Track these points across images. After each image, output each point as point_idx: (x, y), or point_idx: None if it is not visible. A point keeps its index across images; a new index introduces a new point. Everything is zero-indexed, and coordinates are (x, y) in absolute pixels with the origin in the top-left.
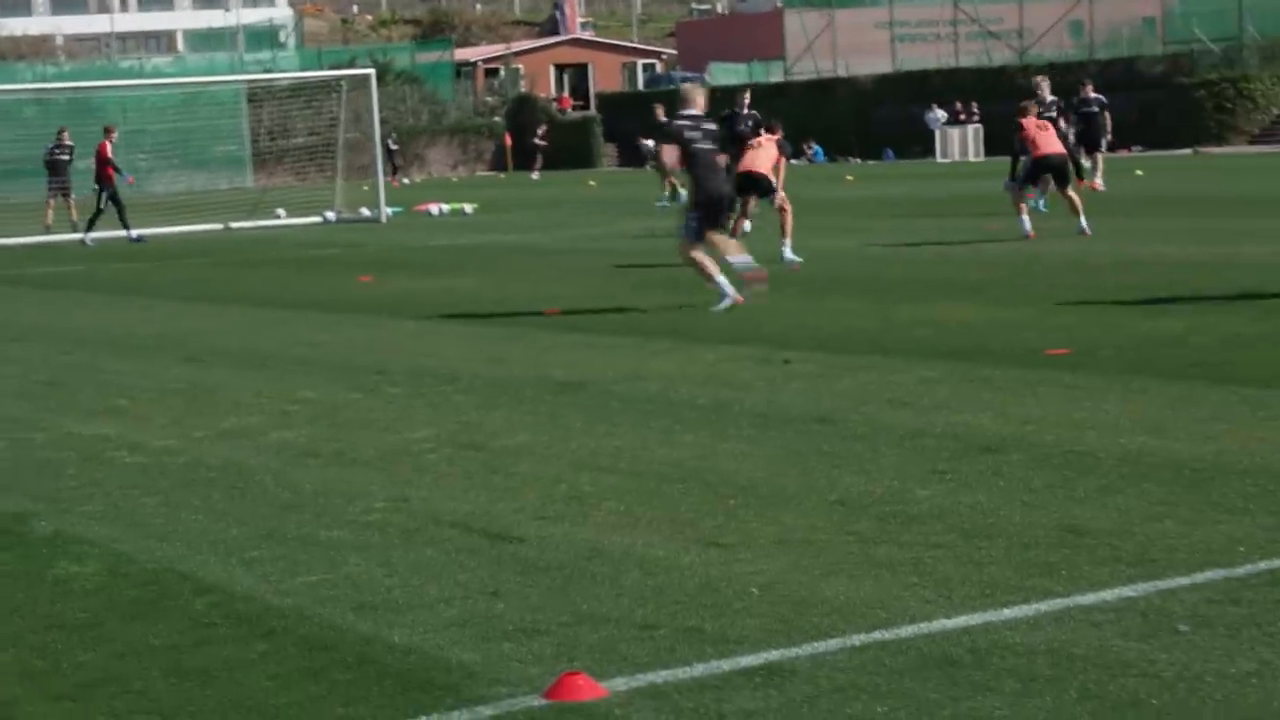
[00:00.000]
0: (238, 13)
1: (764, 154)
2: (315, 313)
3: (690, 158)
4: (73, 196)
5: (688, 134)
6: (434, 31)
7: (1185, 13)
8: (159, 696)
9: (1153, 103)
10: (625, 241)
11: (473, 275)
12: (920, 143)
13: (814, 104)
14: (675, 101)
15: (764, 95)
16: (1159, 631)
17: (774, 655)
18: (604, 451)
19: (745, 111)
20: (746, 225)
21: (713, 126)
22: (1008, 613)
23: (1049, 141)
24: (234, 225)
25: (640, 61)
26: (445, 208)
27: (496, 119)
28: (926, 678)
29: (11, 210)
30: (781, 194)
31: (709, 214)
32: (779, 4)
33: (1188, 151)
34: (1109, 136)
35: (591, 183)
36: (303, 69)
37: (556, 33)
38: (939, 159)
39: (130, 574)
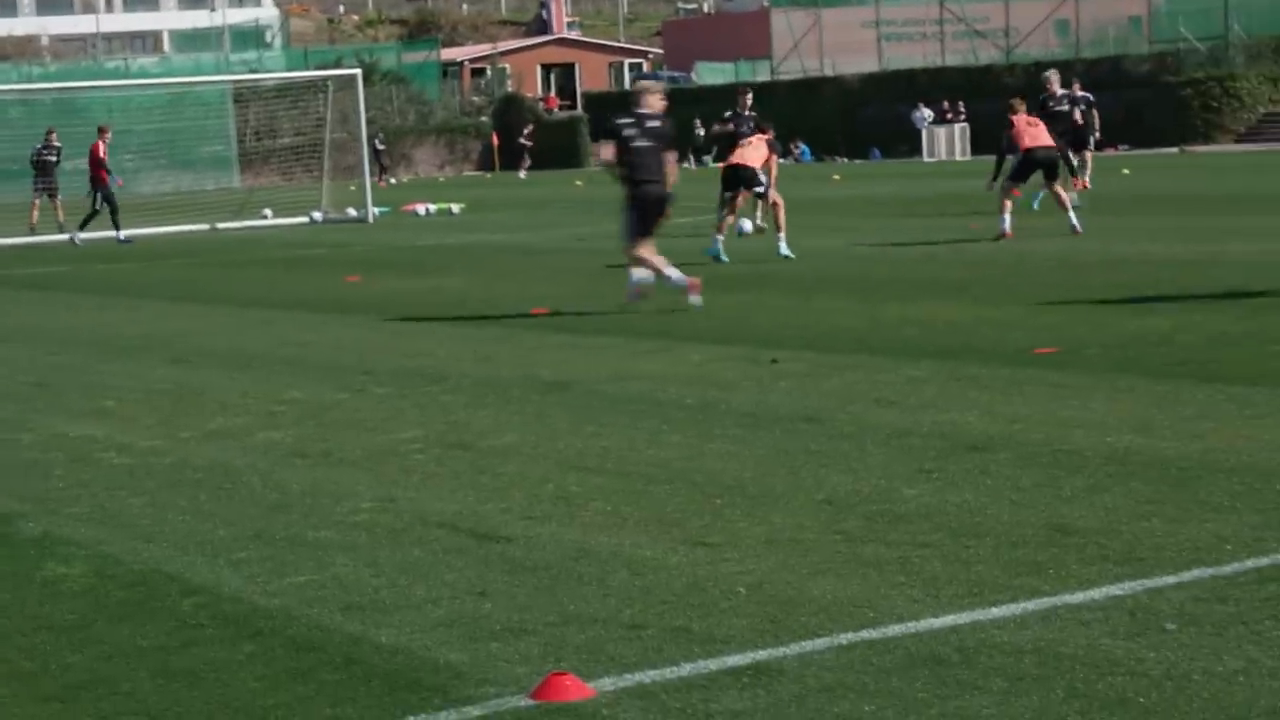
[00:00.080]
0: (223, 13)
1: (754, 151)
2: (302, 313)
3: (627, 156)
4: (59, 197)
5: (626, 131)
6: (420, 31)
7: (1171, 11)
8: (146, 698)
9: (1139, 101)
10: (612, 241)
11: (460, 275)
12: (907, 142)
13: (800, 103)
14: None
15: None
16: (1146, 630)
17: (761, 655)
18: (591, 451)
19: (747, 113)
20: (747, 225)
21: (658, 125)
22: (995, 611)
23: (1038, 137)
24: (220, 226)
25: (627, 61)
26: (432, 208)
27: (483, 119)
28: (914, 677)
29: None
30: (774, 191)
31: (644, 214)
32: (765, 3)
33: (1174, 150)
34: (1096, 135)
35: (578, 182)
36: (289, 69)
37: (543, 32)
38: (925, 158)
39: (118, 575)
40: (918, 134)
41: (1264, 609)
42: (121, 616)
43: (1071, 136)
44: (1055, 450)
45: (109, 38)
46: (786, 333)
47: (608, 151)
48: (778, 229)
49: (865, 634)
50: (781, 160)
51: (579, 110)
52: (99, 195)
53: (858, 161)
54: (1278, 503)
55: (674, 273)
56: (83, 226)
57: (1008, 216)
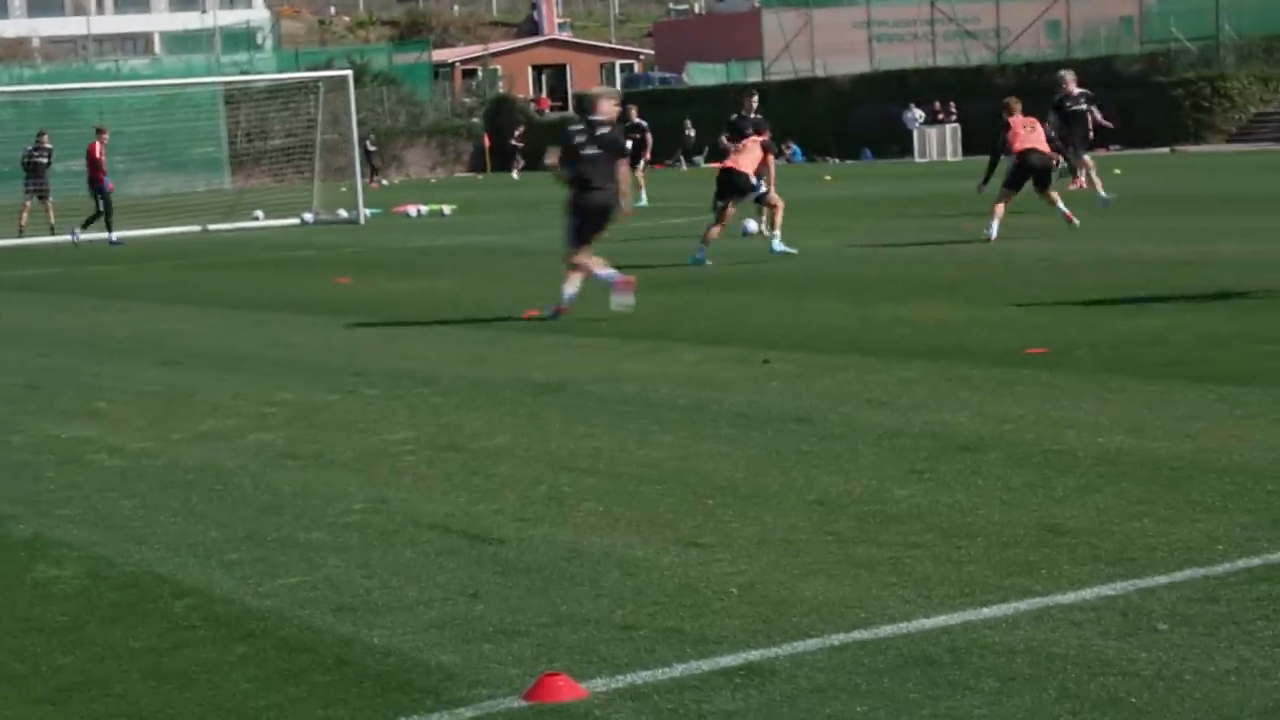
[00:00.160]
0: (214, 14)
1: (748, 155)
2: (293, 314)
3: (576, 163)
4: (50, 199)
5: (577, 139)
6: (411, 32)
7: (1162, 12)
8: (138, 699)
9: (1130, 102)
10: (602, 242)
11: (451, 276)
12: (898, 142)
13: (792, 104)
14: (658, 100)
15: (742, 95)
16: (1138, 630)
17: (753, 655)
18: (583, 452)
19: (753, 115)
20: (751, 225)
21: (609, 133)
22: (987, 612)
23: (1034, 140)
24: (211, 227)
25: (618, 62)
26: (423, 209)
27: (474, 120)
28: (906, 677)
29: None
30: (773, 193)
31: (587, 221)
32: (756, 4)
33: (1165, 150)
34: (1091, 134)
35: None
36: (280, 71)
37: (534, 33)
38: (917, 159)
39: (109, 577)
40: (909, 134)
41: (1255, 609)
42: (113, 618)
43: (1084, 135)
44: (1047, 450)
45: (100, 39)
46: (778, 333)
47: (551, 157)
48: (772, 226)
49: (857, 634)
50: (775, 160)
51: (570, 111)
52: (100, 196)
53: (849, 162)
54: (1269, 503)
55: (606, 271)
56: (86, 226)
57: (995, 222)
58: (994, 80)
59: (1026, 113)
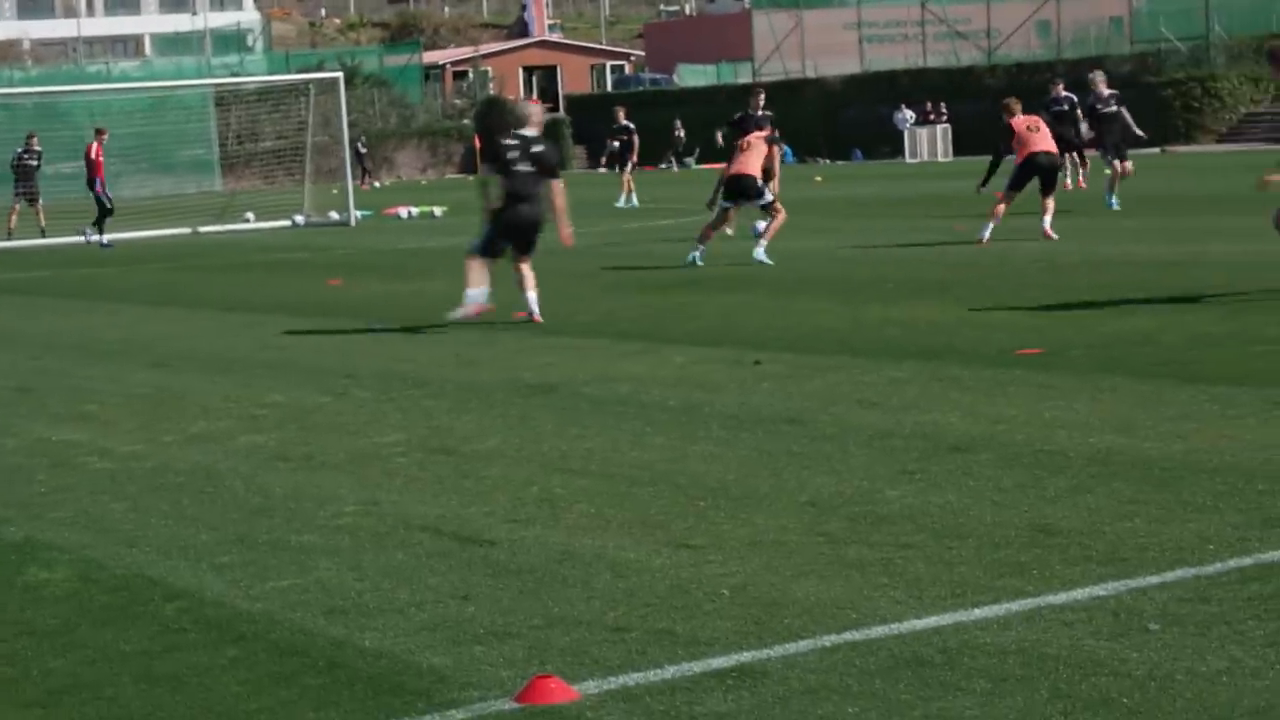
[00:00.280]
0: (205, 16)
1: (753, 155)
2: (284, 316)
3: (506, 178)
4: (40, 202)
5: (508, 154)
6: (402, 34)
7: (1152, 12)
8: (129, 703)
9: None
10: (595, 243)
11: (442, 278)
12: (889, 143)
13: (782, 105)
14: (641, 104)
15: (733, 96)
16: (1130, 630)
17: (745, 657)
18: (575, 454)
19: (760, 114)
20: (761, 225)
21: (542, 150)
22: (978, 613)
23: (1041, 141)
24: (202, 229)
25: (609, 63)
26: (414, 211)
27: (465, 122)
28: (897, 678)
29: None
30: (775, 191)
31: (505, 235)
32: (747, 5)
33: (1156, 150)
34: (1084, 133)
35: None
36: (270, 73)
37: (524, 35)
38: (907, 159)
39: (100, 580)
40: (900, 135)
41: (1247, 609)
42: (104, 621)
43: (1119, 138)
44: (1038, 451)
45: (90, 41)
46: (769, 334)
47: (484, 171)
48: (764, 233)
49: (849, 635)
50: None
51: (561, 113)
52: (104, 192)
53: (840, 163)
54: (1260, 503)
55: (475, 293)
56: (96, 225)
57: (991, 225)
58: (984, 81)
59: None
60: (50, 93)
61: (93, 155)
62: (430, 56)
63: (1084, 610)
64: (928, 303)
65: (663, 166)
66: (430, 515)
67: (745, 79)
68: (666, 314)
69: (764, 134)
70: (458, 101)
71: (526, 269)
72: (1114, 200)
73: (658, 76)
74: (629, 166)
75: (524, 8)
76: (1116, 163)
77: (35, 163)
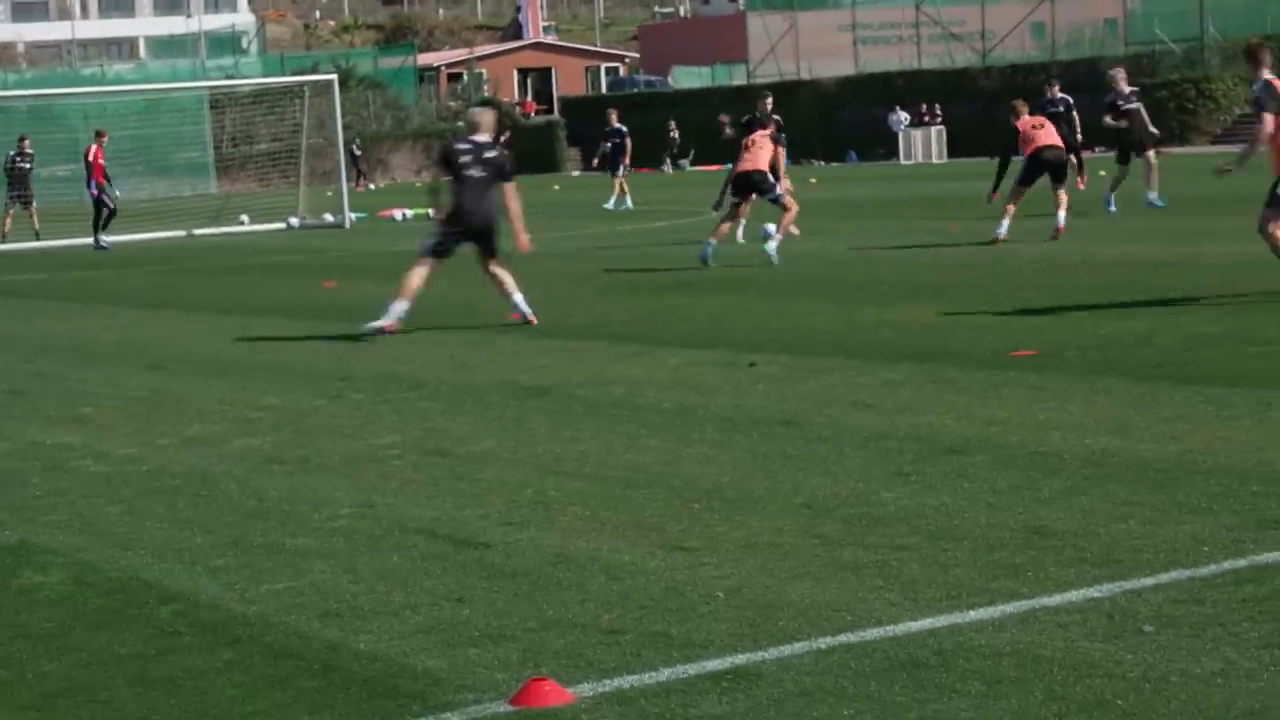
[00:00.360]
0: (199, 19)
1: (760, 152)
2: (279, 319)
3: (458, 183)
4: (34, 205)
5: (461, 159)
6: (397, 36)
7: (1147, 14)
8: (124, 706)
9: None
10: (589, 245)
11: (436, 280)
12: (883, 145)
13: (777, 106)
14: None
15: (727, 98)
16: (1124, 632)
17: (740, 659)
18: (569, 456)
19: (767, 117)
20: (772, 228)
21: (495, 156)
22: (973, 615)
23: (1045, 137)
24: (197, 232)
25: (603, 65)
26: (409, 213)
27: (460, 124)
28: (892, 680)
29: None
30: (785, 187)
31: (460, 237)
32: (741, 7)
33: (1150, 151)
34: (1079, 136)
35: (555, 186)
36: (265, 75)
37: (519, 37)
38: (902, 161)
39: (95, 583)
40: (894, 137)
41: (1241, 610)
42: (99, 624)
43: (1137, 135)
44: (1033, 453)
45: (85, 44)
46: (764, 336)
47: (435, 173)
48: (778, 229)
49: (844, 638)
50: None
51: (556, 115)
52: (104, 196)
53: (834, 164)
54: (1254, 504)
55: (399, 307)
56: (104, 229)
57: (1006, 222)
58: (979, 82)
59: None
60: (45, 95)
61: (91, 157)
62: (425, 59)
63: (1079, 612)
64: (922, 304)
65: (663, 170)
66: (425, 518)
67: (740, 81)
68: (661, 316)
69: (768, 132)
70: (452, 104)
71: (501, 272)
72: (1154, 199)
73: (652, 78)
74: (621, 169)
75: (518, 10)
76: (1149, 155)
77: (28, 165)
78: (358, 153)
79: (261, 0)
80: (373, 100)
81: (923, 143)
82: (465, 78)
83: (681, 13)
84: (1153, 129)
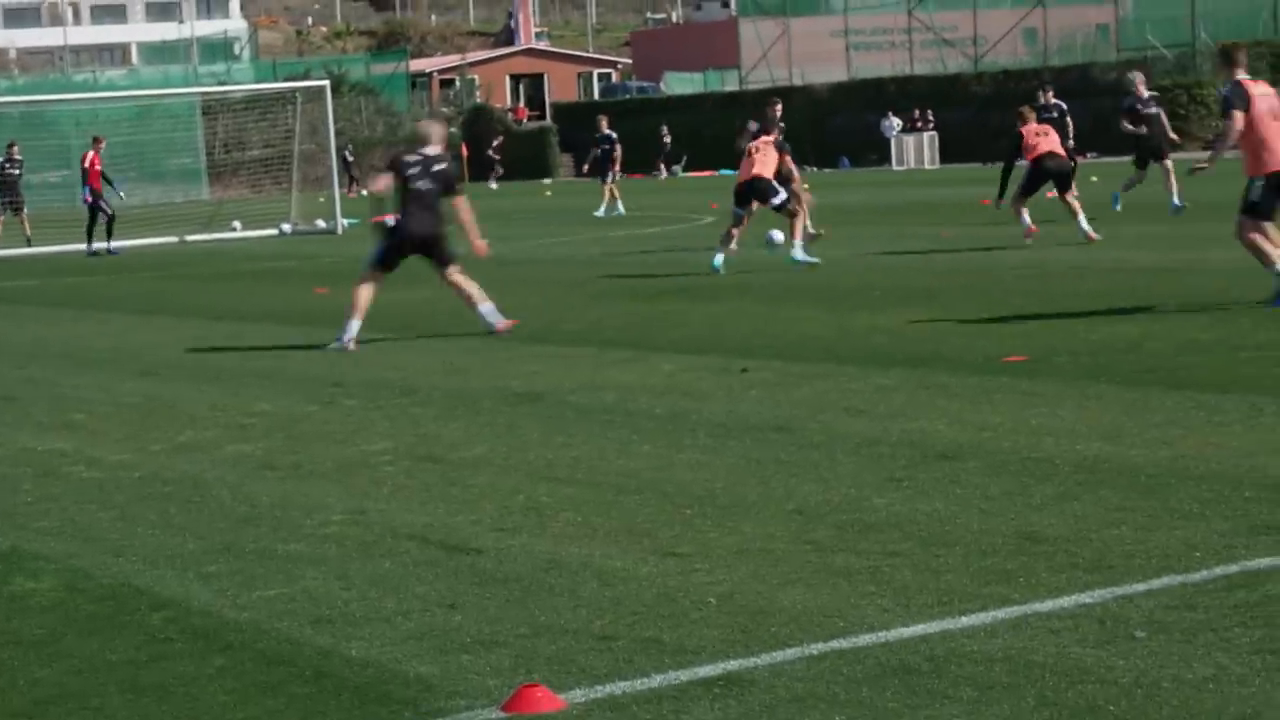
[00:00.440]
0: (191, 25)
1: (764, 159)
2: (271, 325)
3: (404, 194)
4: (25, 211)
5: (409, 171)
6: (389, 43)
7: (1139, 19)
8: (116, 712)
9: (1107, 109)
10: (582, 251)
11: (428, 286)
12: (876, 150)
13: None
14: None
15: (720, 104)
16: (1116, 638)
17: (732, 665)
18: (562, 462)
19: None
20: (778, 235)
21: (443, 169)
22: (965, 621)
23: (1047, 144)
24: (189, 238)
25: (596, 71)
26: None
27: (452, 130)
28: (884, 686)
29: None
30: (791, 192)
31: (399, 251)
32: (734, 13)
33: (1168, 159)
34: (1070, 141)
35: (548, 193)
36: (257, 81)
37: (511, 43)
38: (895, 167)
39: (87, 589)
40: (887, 143)
41: (1233, 616)
42: (90, 631)
43: (1156, 141)
44: (1025, 458)
45: (77, 50)
46: (756, 342)
47: (380, 183)
48: (792, 235)
49: (836, 644)
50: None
51: (548, 121)
52: (101, 203)
53: (827, 170)
54: (1246, 510)
55: (353, 325)
56: (110, 236)
57: (1026, 217)
58: (971, 88)
59: (1007, 120)
60: (37, 101)
61: (87, 164)
62: (417, 64)
63: (1070, 618)
64: (915, 310)
65: (662, 177)
66: (417, 524)
67: (732, 87)
68: (653, 322)
69: (771, 138)
70: (444, 109)
71: (462, 280)
72: (1179, 203)
73: (645, 84)
74: (610, 176)
75: (511, 15)
76: (1167, 163)
77: (17, 172)
78: (350, 159)
79: (254, 6)
80: (365, 106)
81: (915, 148)
82: (458, 84)
83: (674, 19)
84: (1172, 135)
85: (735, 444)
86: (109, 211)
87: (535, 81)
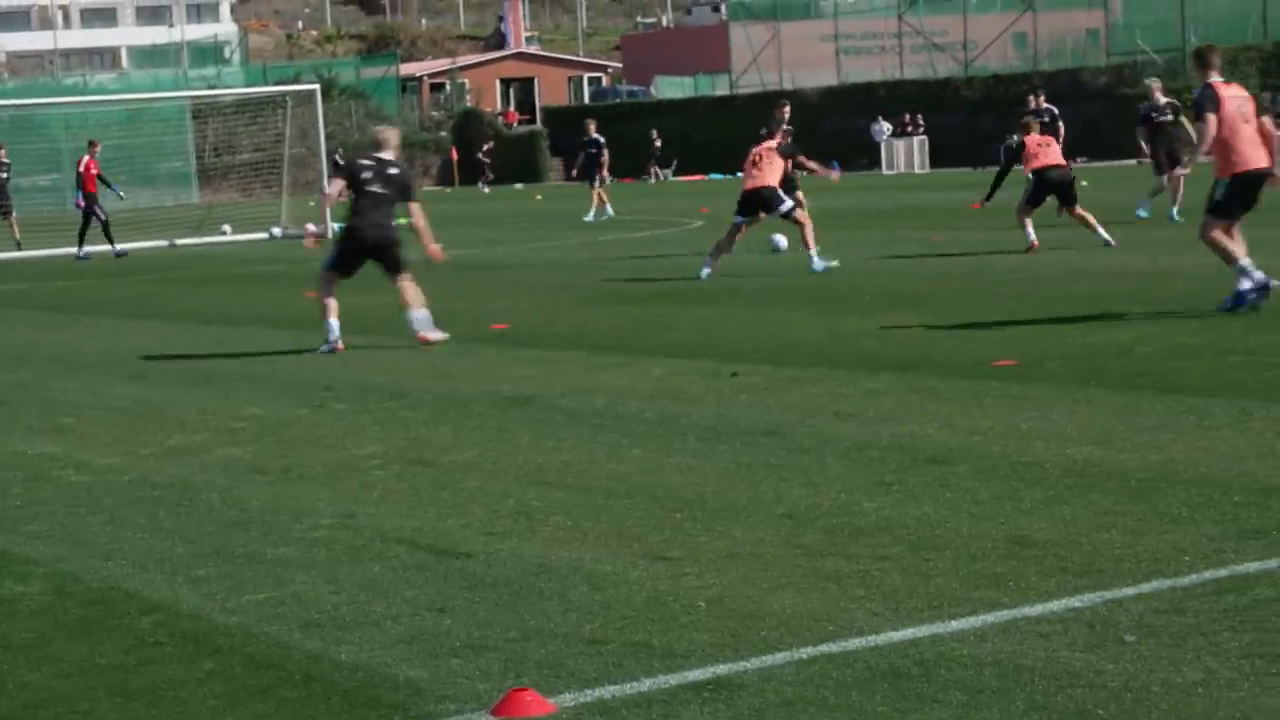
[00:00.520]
0: (182, 29)
1: (769, 168)
2: (262, 329)
3: (358, 198)
4: (14, 215)
5: (363, 175)
6: (379, 46)
7: (1129, 24)
8: (105, 716)
9: (1097, 114)
10: (572, 255)
11: (422, 290)
12: (866, 155)
13: (760, 117)
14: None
15: (710, 108)
16: (1105, 642)
17: (722, 669)
18: (551, 466)
19: (784, 127)
20: (782, 241)
21: (398, 174)
22: (955, 624)
23: (1050, 157)
24: (180, 242)
25: (586, 75)
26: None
27: (442, 134)
28: (874, 690)
29: None
30: (797, 202)
31: (354, 254)
32: (724, 17)
33: (1132, 162)
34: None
35: (538, 197)
36: (248, 85)
37: (502, 47)
38: (884, 171)
39: (76, 593)
40: (877, 147)
41: (1222, 620)
42: (79, 634)
43: (1172, 148)
44: (1015, 462)
45: (67, 54)
46: (746, 346)
47: (334, 188)
48: (805, 245)
49: (825, 648)
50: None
51: (538, 125)
52: (95, 207)
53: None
54: (1236, 514)
55: (333, 324)
56: (111, 241)
57: (1030, 230)
58: (961, 93)
59: (998, 125)
60: (26, 105)
61: (83, 168)
62: (407, 68)
63: (1060, 622)
64: (905, 314)
65: (652, 180)
66: (407, 528)
67: (723, 91)
68: (643, 326)
69: (775, 143)
70: (435, 113)
71: (407, 285)
72: (1176, 212)
73: (635, 88)
74: (597, 180)
75: (501, 20)
76: (1176, 171)
77: (6, 176)
78: (340, 163)
79: (244, 10)
80: (355, 110)
81: (905, 153)
82: (448, 87)
83: (664, 23)
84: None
85: (725, 448)
86: (103, 216)
87: (525, 85)
